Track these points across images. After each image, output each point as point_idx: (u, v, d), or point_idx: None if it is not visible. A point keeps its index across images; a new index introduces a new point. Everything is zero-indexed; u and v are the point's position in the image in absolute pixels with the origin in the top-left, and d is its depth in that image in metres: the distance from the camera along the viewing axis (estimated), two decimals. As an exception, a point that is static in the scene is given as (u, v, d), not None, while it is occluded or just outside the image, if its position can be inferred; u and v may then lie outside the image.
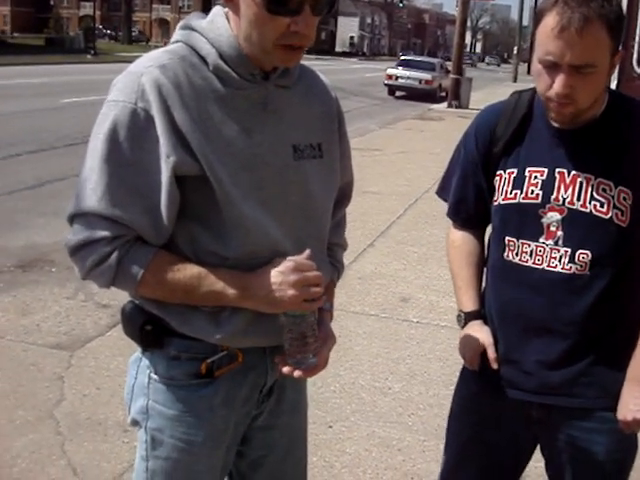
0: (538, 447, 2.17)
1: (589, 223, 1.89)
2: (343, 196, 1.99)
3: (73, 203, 1.61)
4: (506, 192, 1.99)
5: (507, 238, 2.00)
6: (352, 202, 2.07)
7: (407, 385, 4.39)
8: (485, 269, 2.18)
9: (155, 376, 1.75)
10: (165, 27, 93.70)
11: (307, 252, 1.65)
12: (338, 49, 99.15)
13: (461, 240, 2.22)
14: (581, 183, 1.90)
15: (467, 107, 22.64)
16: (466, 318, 2.13)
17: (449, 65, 28.53)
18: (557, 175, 1.92)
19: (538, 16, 1.80)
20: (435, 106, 24.55)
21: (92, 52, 41.12)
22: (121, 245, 1.60)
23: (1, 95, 17.79)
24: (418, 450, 3.70)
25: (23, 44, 44.28)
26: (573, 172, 1.90)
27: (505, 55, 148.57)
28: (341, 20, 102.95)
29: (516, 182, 1.97)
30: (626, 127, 1.91)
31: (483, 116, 2.12)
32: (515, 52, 55.96)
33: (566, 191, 1.91)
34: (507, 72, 67.05)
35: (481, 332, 2.08)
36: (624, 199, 1.88)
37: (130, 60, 1.70)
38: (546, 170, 1.93)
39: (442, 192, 2.26)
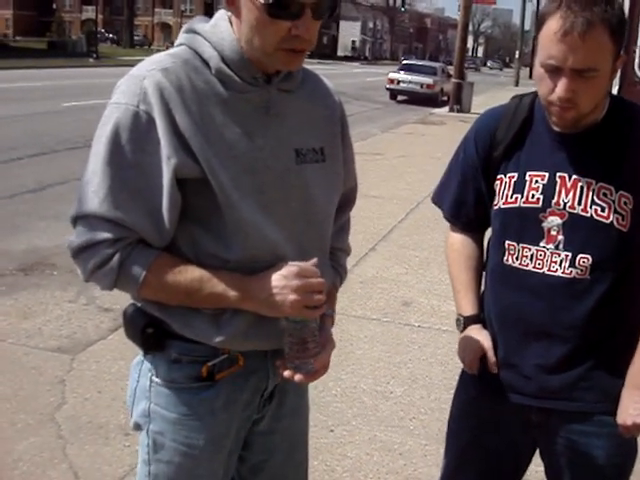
0: (538, 451, 2.17)
1: (590, 227, 1.89)
2: (347, 201, 1.99)
3: (75, 205, 1.62)
4: (507, 196, 1.99)
5: (507, 242, 2.00)
6: (352, 209, 2.07)
7: (409, 389, 4.39)
8: (484, 273, 2.18)
9: (157, 379, 1.76)
10: (167, 31, 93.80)
11: (314, 260, 1.66)
12: (340, 53, 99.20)
13: (460, 244, 2.22)
14: (582, 187, 1.90)
15: (469, 111, 22.64)
16: (465, 322, 2.13)
17: (451, 69, 28.53)
18: (558, 179, 1.92)
19: (541, 20, 1.80)
20: (437, 110, 24.55)
21: (94, 56, 41.20)
22: (123, 247, 1.60)
23: (3, 98, 17.82)
24: (419, 454, 3.70)
25: (25, 47, 44.31)
26: (574, 176, 1.91)
27: (507, 59, 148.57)
28: (343, 24, 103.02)
29: (517, 186, 1.97)
30: (627, 132, 1.91)
31: (483, 120, 2.12)
32: (517, 56, 55.99)
33: (567, 195, 1.91)
34: (509, 76, 67.02)
35: (480, 336, 2.08)
36: (625, 204, 1.88)
37: (132, 64, 1.71)
38: (547, 174, 1.93)
39: (439, 199, 2.25)
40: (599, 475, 2.05)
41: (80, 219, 1.61)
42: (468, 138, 2.12)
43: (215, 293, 1.63)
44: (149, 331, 1.72)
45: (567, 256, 1.91)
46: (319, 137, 1.80)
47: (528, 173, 1.96)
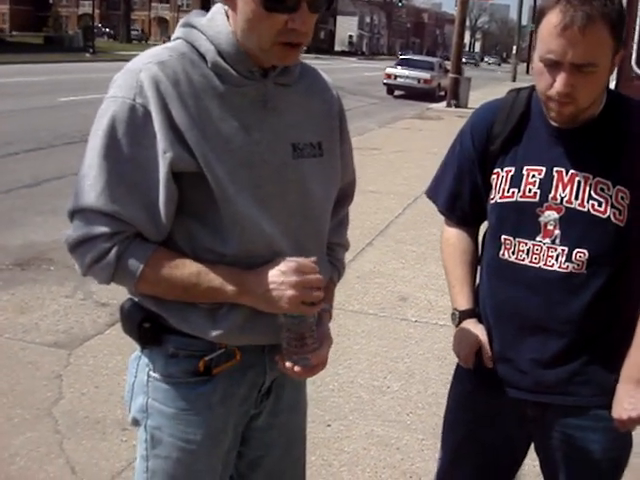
0: (533, 445, 2.17)
1: (587, 222, 1.89)
2: (345, 195, 1.99)
3: (72, 199, 1.62)
4: (503, 190, 1.99)
5: (503, 236, 2.00)
6: (351, 204, 2.06)
7: (405, 384, 4.40)
8: (479, 267, 2.18)
9: (154, 374, 1.75)
10: (164, 26, 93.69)
11: (313, 257, 1.66)
12: (337, 48, 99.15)
13: (455, 238, 2.22)
14: (579, 182, 1.90)
15: (466, 106, 22.63)
16: (461, 316, 2.13)
17: (448, 64, 28.51)
18: (555, 174, 1.92)
19: (539, 14, 1.80)
20: (434, 105, 24.54)
21: (91, 51, 41.11)
22: (120, 241, 1.60)
23: (0, 93, 17.77)
24: (416, 449, 3.70)
25: (22, 42, 44.24)
26: (571, 171, 1.90)
27: (504, 55, 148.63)
28: (340, 19, 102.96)
29: (514, 180, 1.97)
30: (624, 127, 1.91)
31: (480, 114, 2.12)
32: (514, 52, 55.96)
33: (564, 190, 1.91)
34: (506, 72, 67.03)
35: (476, 330, 2.08)
36: (622, 198, 1.88)
37: (129, 59, 1.70)
38: (544, 169, 1.93)
39: (434, 192, 2.24)
40: (595, 469, 2.05)
41: (77, 213, 1.61)
42: (464, 132, 2.12)
43: (212, 287, 1.63)
44: (146, 326, 1.71)
45: (564, 251, 1.91)
46: (317, 131, 1.79)
47: (525, 167, 1.95)
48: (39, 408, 3.84)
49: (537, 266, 1.94)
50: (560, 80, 1.78)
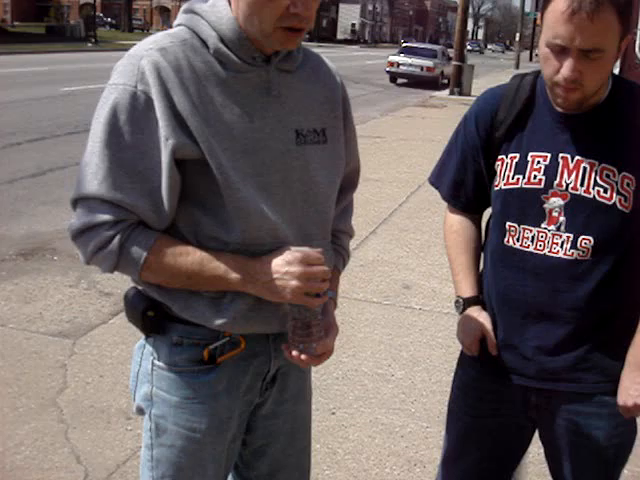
0: (538, 432, 2.17)
1: (592, 209, 1.88)
2: (349, 182, 1.98)
3: (75, 188, 1.61)
4: (508, 177, 1.97)
5: (508, 223, 1.99)
6: (355, 191, 2.06)
7: (410, 372, 4.40)
8: (482, 254, 2.17)
9: (158, 362, 1.75)
10: (166, 14, 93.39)
11: (320, 249, 1.65)
12: (339, 36, 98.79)
13: (459, 225, 2.21)
14: (585, 168, 1.88)
15: (469, 94, 22.58)
16: (465, 304, 2.13)
17: (451, 52, 28.42)
18: (560, 160, 1.90)
19: None
20: (437, 93, 24.49)
21: (93, 40, 41.05)
22: (123, 229, 1.59)
23: (1, 84, 17.75)
24: (421, 436, 3.70)
25: (24, 33, 44.14)
26: (577, 157, 1.89)
27: (507, 42, 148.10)
28: (342, 7, 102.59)
29: (518, 167, 1.95)
30: (630, 112, 1.89)
31: (484, 100, 2.10)
32: (517, 39, 55.76)
33: (569, 176, 1.90)
34: (509, 59, 66.85)
35: (480, 317, 2.08)
36: (627, 185, 1.87)
37: (131, 48, 1.69)
38: (549, 155, 1.92)
39: (437, 179, 2.23)
40: (599, 456, 2.05)
41: (79, 201, 1.60)
42: (468, 118, 2.10)
43: (216, 276, 1.62)
44: (150, 314, 1.71)
45: (569, 237, 1.90)
46: (320, 118, 1.78)
47: (530, 154, 1.94)
48: (44, 397, 3.85)
49: (542, 253, 1.93)
50: (567, 66, 1.76)
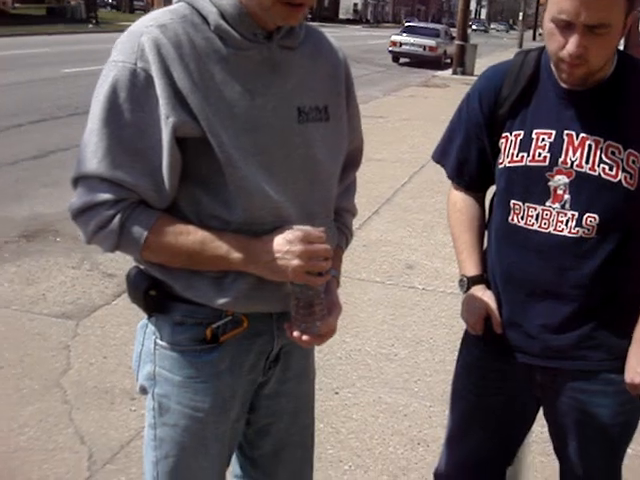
0: (542, 411, 2.17)
1: (597, 186, 1.87)
2: (352, 160, 1.96)
3: (75, 167, 1.60)
4: (512, 155, 1.96)
5: (512, 201, 1.97)
6: (358, 169, 2.04)
7: (413, 351, 4.40)
8: (487, 232, 2.16)
9: (161, 342, 1.75)
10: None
11: (322, 228, 1.63)
12: (342, 16, 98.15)
13: (463, 203, 2.20)
14: (590, 146, 1.86)
15: (472, 74, 22.48)
16: (469, 282, 2.12)
17: (454, 31, 28.28)
18: (565, 137, 1.89)
19: None
20: (440, 73, 24.39)
21: (94, 22, 40.82)
22: (124, 208, 1.58)
23: (3, 66, 17.70)
24: (424, 416, 3.71)
25: (24, 14, 43.88)
26: (582, 134, 1.87)
27: (511, 21, 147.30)
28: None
29: (523, 144, 1.94)
30: (636, 89, 1.87)
31: (487, 77, 2.08)
32: (520, 18, 55.48)
33: (574, 154, 1.88)
34: (513, 38, 66.54)
35: (485, 296, 2.07)
36: (633, 162, 1.85)
37: (131, 28, 1.67)
38: (554, 132, 1.90)
39: (439, 156, 2.21)
40: (604, 434, 2.05)
41: (80, 180, 1.59)
42: (471, 95, 2.08)
43: (217, 255, 1.61)
44: (152, 293, 1.70)
45: (573, 215, 1.89)
46: (322, 95, 1.76)
47: (535, 131, 1.92)
48: (47, 379, 3.85)
49: (547, 231, 1.92)
50: (572, 41, 1.74)
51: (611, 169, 1.85)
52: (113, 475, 3.14)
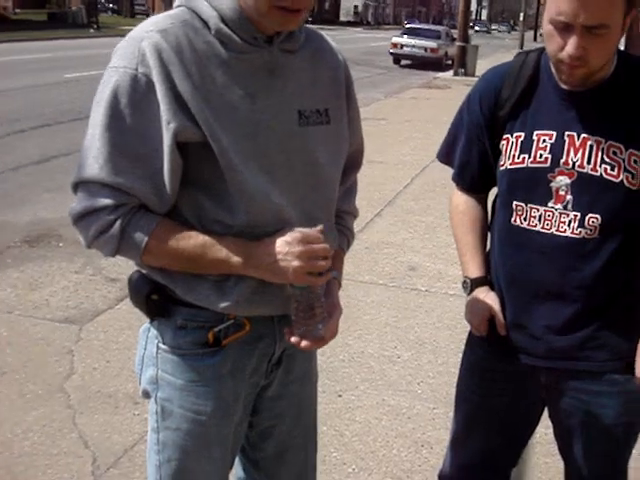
0: (547, 413, 2.17)
1: (599, 187, 1.86)
2: (353, 163, 1.96)
3: (76, 171, 1.60)
4: (514, 156, 1.96)
5: (515, 203, 1.97)
6: (359, 171, 2.04)
7: (416, 353, 4.40)
8: (489, 234, 2.16)
9: (163, 346, 1.75)
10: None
11: (319, 227, 1.63)
12: (342, 18, 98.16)
13: (465, 205, 2.20)
14: (591, 146, 1.86)
15: (473, 75, 22.47)
16: (472, 284, 2.12)
17: (455, 33, 28.29)
18: (566, 138, 1.89)
19: None
20: (441, 74, 24.39)
21: (95, 26, 40.87)
22: (124, 213, 1.58)
23: (4, 71, 17.72)
24: (428, 418, 3.70)
25: (26, 20, 43.94)
26: (583, 135, 1.87)
27: (511, 22, 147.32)
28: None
29: (524, 146, 1.94)
30: (636, 88, 1.87)
31: (487, 78, 2.08)
32: (521, 19, 55.46)
33: (576, 154, 1.88)
34: (514, 39, 66.52)
35: (488, 298, 2.07)
36: (635, 162, 1.85)
37: (132, 32, 1.67)
38: (555, 133, 1.90)
39: (445, 157, 2.22)
40: (609, 434, 2.04)
41: (80, 185, 1.59)
42: (472, 97, 2.08)
43: (218, 259, 1.61)
44: (154, 298, 1.70)
45: (576, 216, 1.89)
46: (323, 98, 1.76)
47: (535, 132, 1.92)
48: (51, 384, 3.86)
49: (549, 232, 1.92)
50: (572, 43, 1.74)
51: (613, 169, 1.85)
52: (117, 479, 3.14)
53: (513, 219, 1.98)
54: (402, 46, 28.92)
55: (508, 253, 2.03)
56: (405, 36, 29.52)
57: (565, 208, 1.90)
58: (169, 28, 1.57)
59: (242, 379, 1.78)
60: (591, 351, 1.98)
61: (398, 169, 9.33)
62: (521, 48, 43.84)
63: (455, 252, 2.24)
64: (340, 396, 3.86)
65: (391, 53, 29.16)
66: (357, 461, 3.35)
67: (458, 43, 24.36)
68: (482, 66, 22.34)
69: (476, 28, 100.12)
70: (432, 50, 28.74)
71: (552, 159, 1.90)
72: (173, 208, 1.64)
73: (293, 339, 1.66)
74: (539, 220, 1.93)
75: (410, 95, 17.91)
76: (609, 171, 1.85)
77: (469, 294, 2.12)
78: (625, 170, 1.85)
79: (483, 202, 2.21)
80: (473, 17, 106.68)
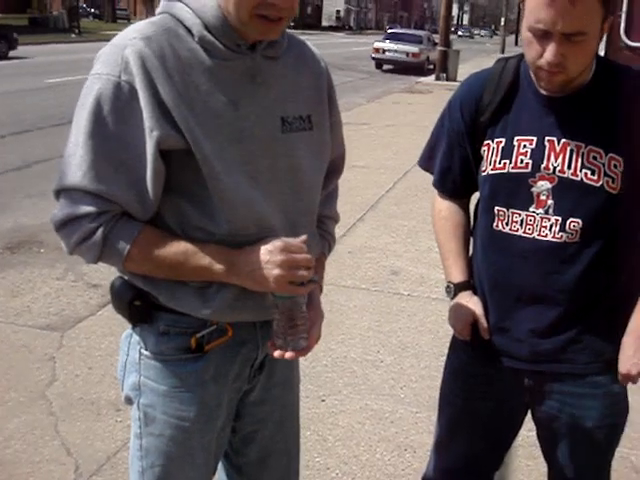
0: (529, 415, 2.18)
1: (580, 191, 1.88)
2: (335, 168, 1.97)
3: (58, 178, 1.59)
4: (495, 162, 1.97)
5: (497, 208, 1.98)
6: (340, 176, 2.05)
7: (398, 358, 4.40)
8: (472, 238, 2.17)
9: (146, 352, 1.75)
10: (150, 4, 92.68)
11: (302, 237, 1.63)
12: (324, 23, 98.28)
13: (447, 211, 2.21)
14: (571, 151, 1.88)
15: (455, 79, 22.57)
16: (456, 289, 2.13)
17: (436, 38, 28.40)
18: (547, 143, 1.90)
19: None
20: (423, 79, 24.45)
21: (76, 31, 40.69)
22: (107, 221, 1.58)
23: (-15, 76, 17.63)
24: (411, 422, 3.71)
25: (6, 25, 43.73)
26: (563, 140, 1.89)
27: (493, 27, 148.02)
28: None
29: (505, 152, 1.95)
30: (615, 93, 1.89)
31: (468, 85, 2.09)
32: (502, 24, 55.77)
33: (556, 159, 1.89)
34: (495, 44, 66.86)
35: (471, 302, 2.08)
36: (615, 166, 1.86)
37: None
38: (535, 139, 1.91)
39: (426, 162, 2.22)
40: (592, 436, 2.06)
41: (63, 192, 1.59)
42: (453, 103, 2.09)
43: (200, 267, 1.61)
44: (137, 304, 1.70)
45: (557, 220, 1.90)
46: (306, 104, 1.77)
47: (516, 138, 1.93)
48: (33, 391, 3.83)
49: (531, 237, 1.93)
50: (550, 50, 1.75)
51: (593, 174, 1.87)
52: (100, 486, 3.12)
53: (495, 224, 1.99)
54: (384, 51, 29.00)
55: (491, 258, 2.04)
56: (387, 41, 29.59)
57: (546, 213, 1.91)
58: (152, 35, 1.57)
59: (225, 384, 1.78)
60: (574, 354, 1.99)
61: (380, 173, 9.35)
62: (502, 52, 44.12)
63: (437, 256, 2.25)
64: (323, 401, 3.87)
65: (373, 58, 29.24)
66: (340, 466, 3.35)
67: (440, 48, 24.44)
68: (464, 70, 22.47)
69: (459, 33, 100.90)
70: (414, 55, 28.84)
71: (533, 164, 1.91)
72: (156, 215, 1.64)
73: (276, 353, 1.66)
74: (521, 225, 1.94)
75: (392, 100, 17.96)
76: (589, 176, 1.87)
77: (452, 299, 2.13)
78: (605, 174, 1.86)
79: (465, 207, 2.22)
80: (455, 22, 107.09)
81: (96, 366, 4.11)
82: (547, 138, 1.90)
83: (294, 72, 1.77)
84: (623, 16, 7.64)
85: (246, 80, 1.65)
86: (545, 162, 1.90)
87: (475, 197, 2.15)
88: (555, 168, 1.89)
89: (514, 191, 1.94)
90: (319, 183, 1.85)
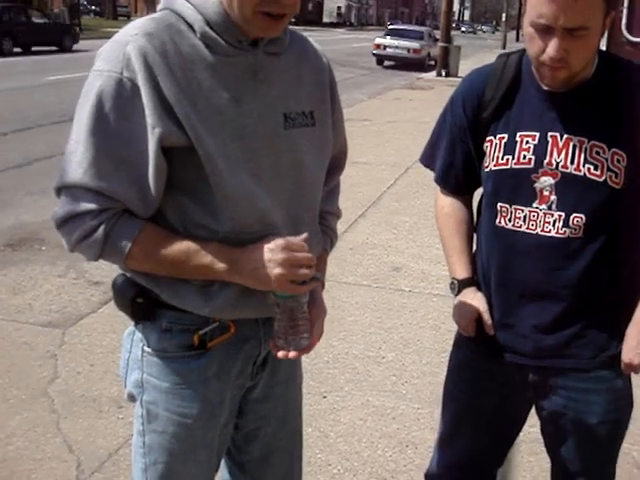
0: (533, 410, 2.17)
1: (583, 186, 1.87)
2: (336, 164, 1.96)
3: (59, 175, 1.58)
4: (497, 158, 1.96)
5: (500, 204, 1.98)
6: (342, 173, 2.04)
7: (400, 354, 4.40)
8: (475, 234, 2.16)
9: (148, 349, 1.74)
10: (150, 1, 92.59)
11: (304, 235, 1.63)
12: (325, 20, 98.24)
13: (450, 207, 2.20)
14: (574, 146, 1.87)
15: (456, 75, 22.57)
16: (460, 285, 2.12)
17: (437, 33, 28.37)
18: (549, 139, 1.89)
19: None
20: (424, 75, 24.46)
21: (77, 28, 40.64)
22: (108, 218, 1.57)
23: (-14, 73, 17.63)
24: (412, 418, 3.71)
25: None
26: (566, 135, 1.88)
27: (494, 22, 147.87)
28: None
29: (507, 147, 1.94)
30: (617, 88, 1.88)
31: (470, 80, 2.08)
32: (503, 19, 55.71)
33: (559, 155, 1.88)
34: (497, 39, 66.83)
35: (476, 299, 2.08)
36: (618, 161, 1.86)
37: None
38: (538, 134, 1.91)
39: (428, 159, 2.22)
40: (596, 431, 2.05)
41: (64, 189, 1.58)
42: (455, 99, 2.09)
43: (202, 265, 1.60)
44: (139, 301, 1.70)
45: (560, 216, 1.89)
46: (308, 101, 1.76)
47: (518, 134, 1.93)
48: (35, 388, 3.84)
49: (534, 232, 1.92)
50: (552, 45, 1.75)
51: (596, 169, 1.86)
52: (102, 483, 3.12)
53: (498, 220, 1.99)
54: (385, 47, 28.98)
55: (494, 254, 2.04)
56: (388, 37, 29.59)
57: (549, 208, 1.90)
58: (154, 32, 1.56)
59: (228, 381, 1.77)
60: (578, 349, 1.99)
61: (382, 170, 9.34)
62: (504, 48, 44.10)
63: (439, 252, 2.25)
64: (325, 397, 3.86)
65: (374, 54, 29.22)
66: (342, 462, 3.35)
67: (441, 44, 24.43)
68: (465, 66, 22.47)
69: (462, 29, 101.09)
70: (415, 51, 28.82)
71: (536, 160, 1.90)
72: (157, 212, 1.63)
73: (280, 354, 1.66)
74: (524, 221, 1.94)
75: (393, 96, 17.95)
76: (592, 171, 1.86)
77: (456, 295, 2.13)
78: (608, 169, 1.86)
79: (468, 203, 2.21)
80: (456, 18, 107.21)
81: (98, 363, 4.11)
82: (550, 133, 1.89)
83: (296, 68, 1.76)
84: (625, 11, 7.64)
85: (248, 77, 1.64)
86: (548, 158, 1.89)
87: (478, 193, 2.15)
88: (558, 163, 1.88)
89: (517, 187, 1.94)
90: (321, 179, 1.84)
